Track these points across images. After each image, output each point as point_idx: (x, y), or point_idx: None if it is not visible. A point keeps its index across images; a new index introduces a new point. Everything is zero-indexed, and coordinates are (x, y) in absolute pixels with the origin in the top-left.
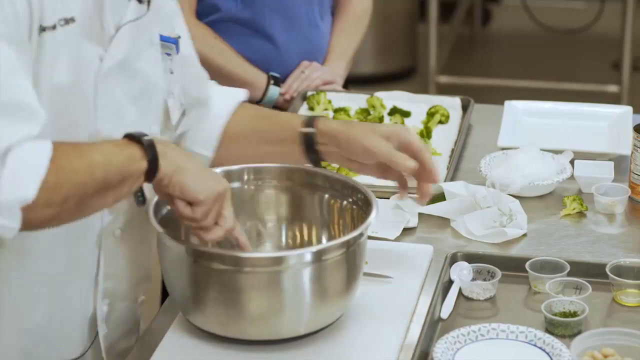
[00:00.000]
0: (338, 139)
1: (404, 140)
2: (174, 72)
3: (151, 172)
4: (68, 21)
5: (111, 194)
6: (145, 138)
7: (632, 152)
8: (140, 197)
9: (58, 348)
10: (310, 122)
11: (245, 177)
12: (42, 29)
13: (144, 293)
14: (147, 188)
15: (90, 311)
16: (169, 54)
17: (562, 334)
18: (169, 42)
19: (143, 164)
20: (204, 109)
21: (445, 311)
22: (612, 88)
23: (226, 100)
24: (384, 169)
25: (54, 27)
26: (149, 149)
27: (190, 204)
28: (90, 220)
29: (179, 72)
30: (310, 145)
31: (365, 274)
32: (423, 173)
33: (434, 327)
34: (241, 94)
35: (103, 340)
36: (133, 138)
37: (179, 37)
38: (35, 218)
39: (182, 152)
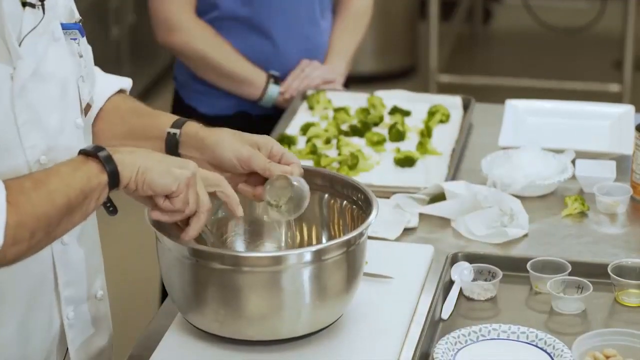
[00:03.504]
0: (205, 143)
1: (276, 152)
2: (83, 55)
3: (113, 182)
4: None
5: (77, 214)
6: (101, 153)
7: (634, 152)
8: (110, 208)
9: None
10: (179, 124)
11: None
12: None
13: (102, 287)
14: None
15: (58, 322)
16: (74, 39)
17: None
18: (73, 29)
19: (103, 178)
20: None
21: (446, 311)
22: (614, 87)
23: (103, 89)
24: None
25: None
26: (106, 161)
27: (167, 197)
28: None
29: (86, 55)
30: (173, 147)
31: (365, 274)
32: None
33: (434, 328)
34: (121, 82)
35: (71, 345)
36: (88, 153)
37: (81, 19)
38: (5, 258)
39: (139, 152)
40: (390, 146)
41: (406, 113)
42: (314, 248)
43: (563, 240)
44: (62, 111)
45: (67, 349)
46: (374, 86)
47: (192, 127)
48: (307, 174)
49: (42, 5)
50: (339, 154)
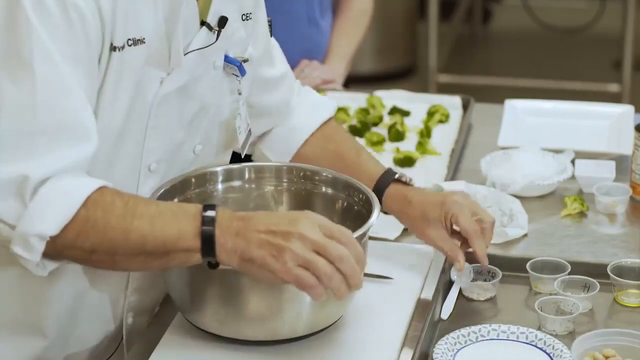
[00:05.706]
0: (402, 219)
1: (457, 224)
2: (242, 92)
3: (210, 260)
4: (136, 42)
5: (154, 262)
6: (205, 228)
7: (633, 152)
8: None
9: (79, 343)
10: (381, 186)
11: (247, 176)
12: (113, 49)
13: (158, 304)
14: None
15: (114, 324)
16: (236, 75)
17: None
18: (232, 64)
19: (195, 244)
20: (284, 118)
21: (446, 312)
22: (613, 87)
23: (312, 117)
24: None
25: (122, 48)
26: (205, 243)
27: None
28: None
29: (247, 92)
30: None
31: (365, 275)
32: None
33: (434, 328)
34: (328, 109)
35: (127, 346)
36: (201, 215)
37: (246, 60)
38: (62, 254)
39: (242, 236)
40: (389, 146)
41: (405, 113)
42: None
43: (562, 240)
44: (188, 131)
45: (117, 348)
46: (374, 86)
47: (389, 204)
48: (309, 173)
49: (219, 32)
50: None
